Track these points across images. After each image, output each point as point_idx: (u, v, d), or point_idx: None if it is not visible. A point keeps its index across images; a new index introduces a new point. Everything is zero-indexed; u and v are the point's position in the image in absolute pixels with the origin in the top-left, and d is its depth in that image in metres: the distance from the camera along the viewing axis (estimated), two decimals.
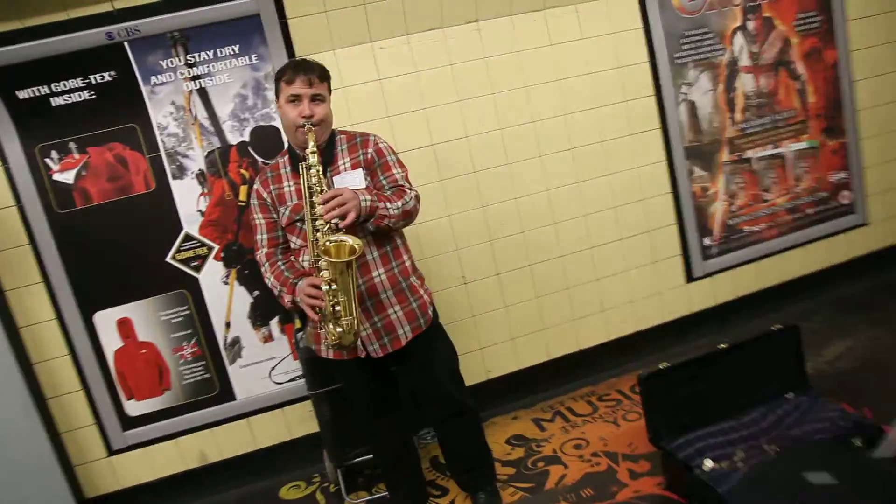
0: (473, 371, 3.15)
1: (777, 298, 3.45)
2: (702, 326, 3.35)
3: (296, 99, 2.09)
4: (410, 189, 2.23)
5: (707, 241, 3.36)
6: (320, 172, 2.00)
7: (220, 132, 2.76)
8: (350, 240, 1.94)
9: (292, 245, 2.21)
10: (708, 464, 2.28)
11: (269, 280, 2.21)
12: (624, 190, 3.20)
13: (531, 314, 3.20)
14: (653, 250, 3.28)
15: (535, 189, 3.11)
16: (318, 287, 1.98)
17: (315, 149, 2.00)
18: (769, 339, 2.57)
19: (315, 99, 2.11)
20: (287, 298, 2.14)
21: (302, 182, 2.04)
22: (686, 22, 3.18)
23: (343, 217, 1.95)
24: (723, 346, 2.51)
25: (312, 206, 1.99)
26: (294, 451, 2.97)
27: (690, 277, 3.35)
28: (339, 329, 2.00)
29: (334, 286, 1.95)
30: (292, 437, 2.99)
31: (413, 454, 2.57)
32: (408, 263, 2.26)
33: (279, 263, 2.20)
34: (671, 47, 3.16)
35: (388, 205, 2.10)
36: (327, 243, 1.93)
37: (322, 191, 1.98)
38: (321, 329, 2.08)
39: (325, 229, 1.96)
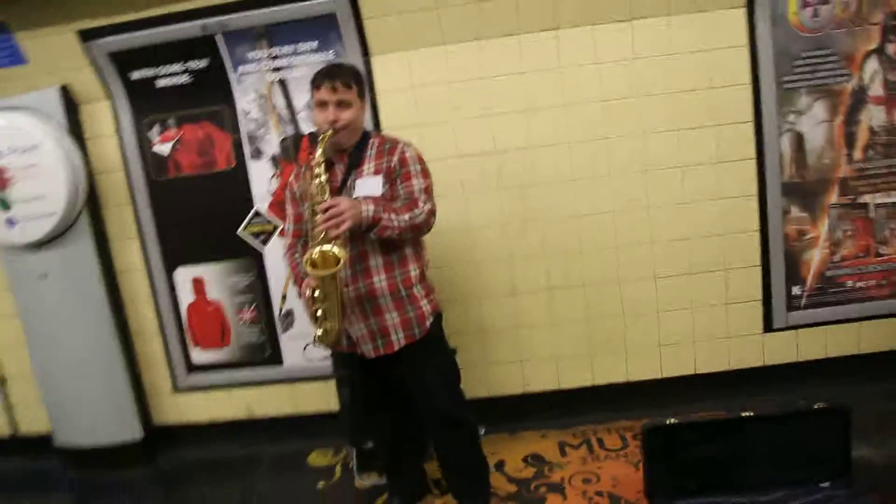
0: (510, 381, 3.22)
1: (877, 368, 3.02)
2: (775, 383, 3.05)
3: (323, 104, 2.26)
4: (426, 203, 2.28)
5: (796, 291, 3.04)
6: (323, 182, 2.17)
7: (294, 121, 3.05)
8: (335, 250, 2.09)
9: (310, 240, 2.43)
10: None
11: (288, 269, 2.46)
12: (702, 221, 3.00)
13: (579, 336, 3.15)
14: (728, 291, 3.05)
15: (599, 209, 3.02)
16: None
17: (321, 160, 2.16)
18: (809, 418, 2.34)
19: (341, 104, 2.25)
20: (297, 291, 2.37)
21: (302, 187, 2.26)
22: (804, 41, 2.85)
23: (337, 227, 2.10)
24: (746, 413, 2.34)
25: (314, 213, 2.15)
26: (329, 423, 3.19)
27: (769, 327, 3.08)
28: (321, 331, 2.20)
29: (318, 292, 2.13)
30: (330, 410, 3.23)
31: (413, 450, 2.71)
32: (413, 273, 2.34)
33: (297, 255, 2.41)
34: (780, 69, 2.86)
35: (394, 216, 2.18)
36: (313, 253, 2.09)
37: (324, 199, 2.16)
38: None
39: (321, 238, 2.12)
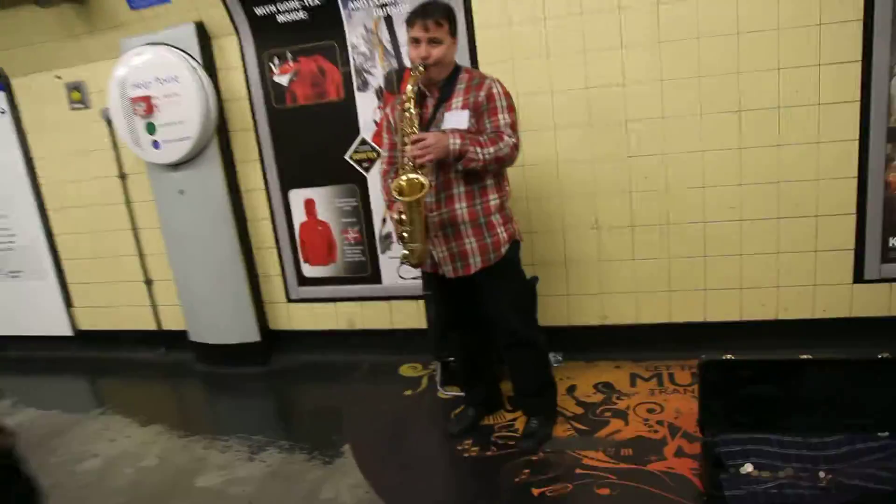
0: (589, 312, 3.43)
1: None
2: (862, 335, 3.01)
3: (416, 41, 2.49)
4: (510, 136, 2.48)
5: (894, 242, 2.98)
6: (413, 114, 2.40)
7: (398, 55, 3.31)
8: (421, 178, 2.35)
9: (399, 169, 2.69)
10: (748, 467, 2.31)
11: (382, 193, 2.76)
12: (795, 165, 2.98)
13: (660, 273, 3.28)
14: (817, 238, 3.03)
15: (688, 148, 3.08)
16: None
17: (412, 94, 2.39)
18: (870, 367, 2.37)
19: (432, 41, 2.46)
20: (387, 213, 2.67)
21: (396, 119, 2.51)
22: None
23: (422, 159, 2.35)
24: (805, 356, 2.39)
25: (404, 143, 2.41)
26: (421, 339, 3.55)
27: (860, 278, 3.04)
28: (406, 251, 2.50)
29: (404, 216, 2.42)
30: (421, 327, 3.59)
31: (489, 366, 2.99)
32: (493, 203, 2.56)
33: (389, 181, 2.69)
34: None
35: (479, 150, 2.40)
36: (401, 181, 2.37)
37: (412, 131, 2.40)
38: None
39: (409, 166, 2.39)
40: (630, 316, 3.36)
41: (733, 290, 3.21)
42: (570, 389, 3.15)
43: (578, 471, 2.56)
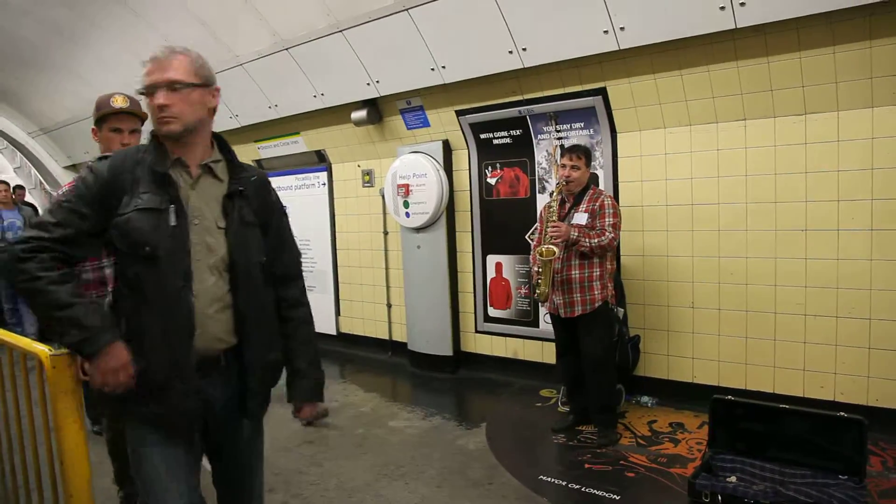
0: (682, 371, 4.74)
1: None
2: None
3: (563, 166, 4.22)
4: (611, 234, 4.08)
5: None
6: (555, 212, 4.14)
7: None
8: (556, 249, 4.05)
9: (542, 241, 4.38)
10: (732, 479, 3.49)
11: (531, 257, 4.45)
12: (852, 277, 4.04)
13: (738, 348, 4.50)
14: (870, 337, 4.01)
15: (764, 254, 4.34)
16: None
17: (557, 198, 4.16)
18: (833, 422, 3.38)
19: (573, 168, 4.19)
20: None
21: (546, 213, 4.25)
22: None
23: (556, 238, 4.06)
24: (785, 406, 3.45)
25: (547, 226, 4.16)
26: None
27: None
28: (538, 292, 4.20)
29: (539, 270, 4.15)
30: None
31: (582, 385, 4.44)
32: (596, 273, 4.15)
33: (535, 250, 4.40)
34: None
35: (587, 241, 4.06)
36: (543, 248, 4.10)
37: (554, 220, 4.11)
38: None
39: (548, 240, 4.11)
40: (714, 379, 4.60)
41: (797, 371, 4.29)
42: (651, 422, 4.49)
43: (622, 462, 3.98)
